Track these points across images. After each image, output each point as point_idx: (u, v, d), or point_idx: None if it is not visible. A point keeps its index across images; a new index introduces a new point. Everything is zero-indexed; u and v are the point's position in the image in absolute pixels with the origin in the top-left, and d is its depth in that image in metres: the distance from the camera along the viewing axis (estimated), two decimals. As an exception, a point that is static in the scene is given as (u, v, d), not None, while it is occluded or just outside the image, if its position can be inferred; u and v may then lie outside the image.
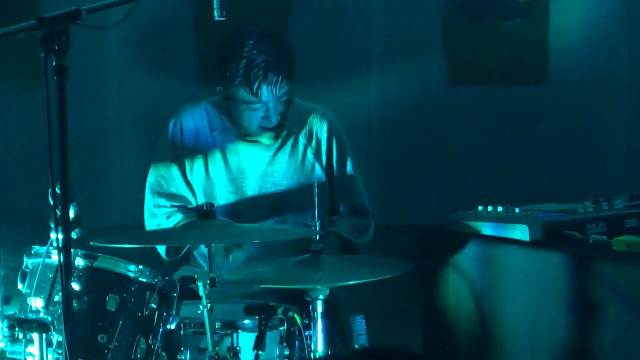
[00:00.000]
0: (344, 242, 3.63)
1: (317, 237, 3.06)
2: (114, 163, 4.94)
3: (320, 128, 3.71)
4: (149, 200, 3.70)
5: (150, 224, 3.69)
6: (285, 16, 4.90)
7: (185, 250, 3.67)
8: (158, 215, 3.67)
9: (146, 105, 4.89)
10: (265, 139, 3.58)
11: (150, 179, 3.70)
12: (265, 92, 3.47)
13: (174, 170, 3.65)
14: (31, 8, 4.87)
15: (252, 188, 3.62)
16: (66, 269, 2.31)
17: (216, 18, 2.80)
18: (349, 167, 3.75)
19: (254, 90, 3.46)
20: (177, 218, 3.62)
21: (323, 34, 4.93)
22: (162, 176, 3.67)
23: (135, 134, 4.92)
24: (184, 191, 3.66)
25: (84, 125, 4.72)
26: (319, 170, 3.68)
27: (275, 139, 3.59)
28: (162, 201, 3.66)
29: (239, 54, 3.47)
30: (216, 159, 3.64)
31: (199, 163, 3.64)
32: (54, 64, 2.30)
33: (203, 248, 3.62)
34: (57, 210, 2.45)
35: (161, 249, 3.64)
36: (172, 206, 3.66)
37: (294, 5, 4.92)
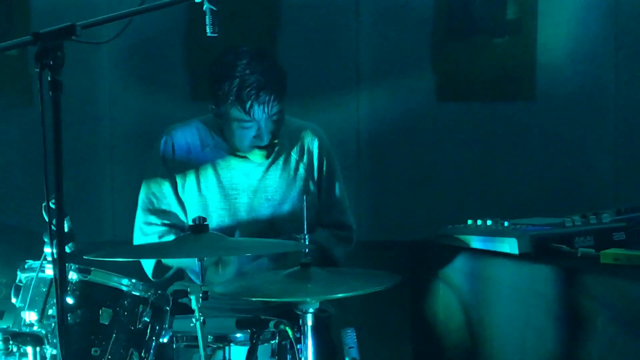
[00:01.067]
0: (323, 251, 3.66)
1: (307, 250, 3.09)
2: (105, 179, 4.94)
3: (311, 144, 3.75)
4: (140, 217, 3.72)
5: (140, 243, 3.71)
6: (274, 33, 4.92)
7: (171, 272, 3.68)
8: (149, 234, 3.68)
9: (137, 121, 4.90)
10: (257, 157, 3.62)
11: (142, 196, 3.72)
12: (257, 111, 3.50)
13: (166, 187, 3.67)
14: (22, 23, 4.89)
15: (244, 204, 3.65)
16: (61, 282, 2.33)
17: (208, 34, 2.82)
18: (337, 184, 3.79)
19: (247, 109, 3.49)
20: (170, 239, 3.64)
21: (312, 50, 4.95)
22: (153, 193, 3.69)
23: (126, 151, 4.93)
24: (175, 208, 3.68)
25: (75, 141, 4.73)
26: (310, 185, 3.72)
27: (267, 157, 3.63)
28: (153, 219, 3.68)
29: (232, 74, 3.50)
30: (208, 176, 3.66)
31: (191, 179, 3.67)
32: (48, 79, 2.32)
33: (194, 265, 3.65)
34: (51, 224, 2.47)
35: (148, 269, 3.65)
36: (164, 224, 3.68)
37: (282, 22, 4.94)
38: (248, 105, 3.49)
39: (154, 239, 3.65)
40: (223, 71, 3.53)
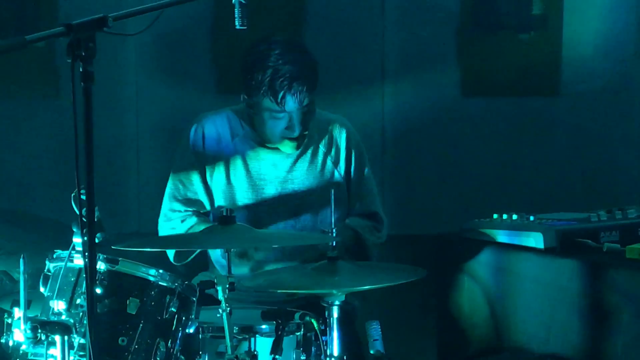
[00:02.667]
0: (357, 236, 3.67)
1: (334, 244, 3.10)
2: (131, 171, 4.97)
3: (339, 137, 3.76)
4: (166, 204, 3.75)
5: (164, 228, 3.73)
6: (300, 27, 4.94)
7: (193, 255, 3.70)
8: (172, 219, 3.71)
9: (163, 114, 4.93)
10: (287, 148, 3.63)
11: (169, 183, 3.75)
12: (289, 101, 3.51)
13: (194, 176, 3.69)
14: (50, 14, 4.92)
15: (272, 194, 3.66)
16: (92, 272, 2.35)
17: (237, 27, 2.83)
18: (366, 176, 3.80)
19: (279, 100, 3.50)
20: (192, 221, 3.66)
21: (338, 45, 4.96)
22: (180, 181, 3.71)
23: (152, 143, 4.96)
24: (202, 196, 3.70)
25: (102, 133, 4.73)
26: (337, 178, 3.73)
27: (297, 148, 3.64)
28: (177, 206, 3.71)
29: (265, 64, 3.51)
30: (237, 166, 3.68)
31: (219, 169, 3.68)
32: (80, 70, 2.34)
33: (220, 256, 3.67)
34: (82, 214, 2.50)
35: (170, 253, 3.67)
36: (186, 211, 3.70)
37: (309, 16, 4.95)
38: (280, 95, 3.50)
39: (177, 223, 3.67)
40: (256, 61, 3.54)
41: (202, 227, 3.58)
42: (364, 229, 3.72)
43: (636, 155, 4.98)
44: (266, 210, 3.65)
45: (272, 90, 3.50)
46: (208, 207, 3.70)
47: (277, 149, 3.65)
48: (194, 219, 3.67)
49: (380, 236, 3.80)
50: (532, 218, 3.67)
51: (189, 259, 3.69)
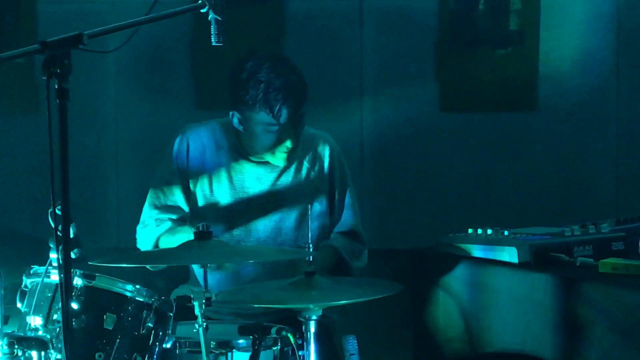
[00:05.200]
0: (339, 256, 3.68)
1: (311, 259, 3.11)
2: (110, 186, 4.98)
3: (323, 153, 3.77)
4: (145, 212, 3.75)
5: (140, 234, 3.74)
6: (279, 42, 4.96)
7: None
8: (148, 225, 3.72)
9: (142, 129, 4.94)
10: (279, 160, 3.63)
11: (150, 192, 3.75)
12: (284, 114, 3.53)
13: (175, 186, 3.70)
14: (30, 31, 4.93)
15: (255, 208, 3.67)
16: (67, 288, 2.36)
17: (213, 44, 2.86)
18: (348, 192, 3.81)
19: (275, 113, 3.51)
20: (166, 225, 3.67)
21: (317, 60, 4.98)
22: (161, 190, 3.72)
23: (131, 157, 4.97)
24: (182, 204, 3.71)
25: (81, 148, 4.76)
26: (320, 193, 3.74)
27: (288, 160, 3.66)
28: (155, 213, 3.71)
29: (257, 78, 3.52)
30: (221, 178, 3.69)
31: (203, 181, 3.69)
32: (55, 87, 2.35)
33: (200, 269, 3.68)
34: (57, 230, 2.50)
35: None
36: (164, 217, 3.71)
37: (288, 32, 4.98)
38: (276, 108, 3.51)
39: (152, 228, 3.69)
40: (248, 77, 3.54)
41: (177, 231, 3.60)
42: (347, 251, 3.73)
43: (611, 170, 5.02)
44: (247, 223, 3.66)
45: (268, 104, 3.50)
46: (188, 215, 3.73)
47: (261, 162, 3.66)
48: (168, 223, 3.68)
49: (362, 259, 3.82)
50: (506, 233, 3.69)
51: (163, 265, 3.69)
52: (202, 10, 2.83)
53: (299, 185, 3.71)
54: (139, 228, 3.77)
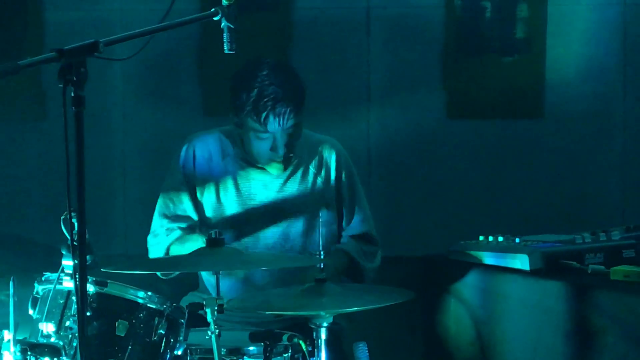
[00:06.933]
0: (351, 260, 3.68)
1: (322, 266, 3.11)
2: (117, 193, 4.97)
3: (329, 158, 3.78)
4: (156, 221, 3.77)
5: (151, 244, 3.75)
6: (287, 50, 4.96)
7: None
8: (159, 234, 3.73)
9: (150, 136, 4.94)
10: (274, 169, 3.65)
11: (159, 202, 3.76)
12: (272, 122, 3.53)
13: (184, 195, 3.71)
14: (36, 38, 4.93)
15: (262, 215, 3.68)
16: (82, 294, 2.36)
17: (226, 51, 2.86)
18: (358, 196, 3.81)
19: (262, 120, 3.52)
20: (176, 234, 3.68)
21: (324, 68, 4.98)
22: (170, 199, 3.73)
23: (138, 165, 4.96)
24: (191, 213, 3.71)
25: (88, 155, 4.74)
26: (328, 199, 3.74)
27: (284, 169, 3.66)
28: (166, 222, 3.72)
29: (251, 84, 3.53)
30: (227, 185, 3.70)
31: (210, 189, 3.70)
32: (71, 94, 2.36)
33: (209, 275, 3.69)
34: (72, 237, 2.50)
35: None
36: (174, 226, 3.72)
37: (295, 40, 4.98)
38: (263, 116, 3.51)
39: (162, 237, 3.69)
40: (243, 81, 3.56)
41: (187, 239, 3.61)
42: (359, 254, 3.73)
43: (619, 177, 5.02)
44: (255, 230, 3.67)
45: (255, 110, 3.52)
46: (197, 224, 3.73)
47: (265, 169, 3.68)
48: (178, 232, 3.69)
49: (376, 260, 3.82)
50: (517, 240, 3.70)
51: (175, 273, 3.70)
52: (214, 19, 2.83)
53: (306, 192, 3.71)
54: (149, 238, 3.77)
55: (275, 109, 3.51)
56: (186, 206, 3.71)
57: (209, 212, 3.70)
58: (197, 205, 3.71)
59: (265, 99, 3.50)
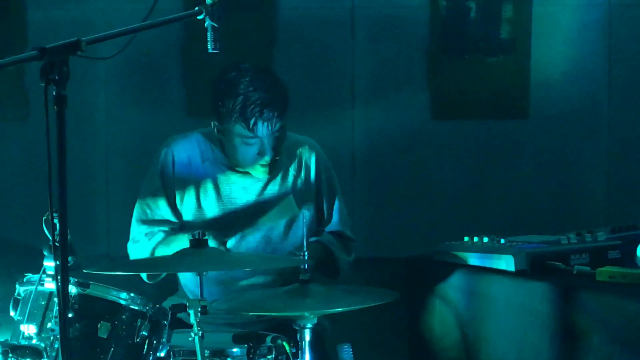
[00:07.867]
0: (325, 248, 3.69)
1: (305, 267, 3.10)
2: (100, 194, 4.95)
3: (309, 160, 3.78)
4: (134, 228, 3.75)
5: (133, 250, 3.73)
6: (271, 50, 4.95)
7: (165, 274, 3.70)
8: (139, 241, 3.71)
9: (133, 137, 4.91)
10: (259, 173, 3.64)
11: (137, 208, 3.75)
12: (261, 128, 3.53)
13: (161, 201, 3.69)
14: (19, 38, 4.90)
15: (242, 218, 3.66)
16: (64, 296, 2.34)
17: (210, 51, 2.85)
18: (337, 197, 3.81)
19: (250, 127, 3.52)
20: (159, 237, 3.67)
21: (308, 67, 4.97)
22: (147, 205, 3.71)
23: (121, 166, 4.94)
24: (170, 218, 3.70)
25: (71, 155, 4.72)
26: (307, 201, 3.74)
27: (270, 172, 3.65)
28: (145, 228, 3.71)
29: (235, 91, 3.53)
30: (208, 189, 3.68)
31: (190, 193, 3.68)
32: (53, 93, 2.34)
33: (187, 280, 3.68)
34: (54, 237, 2.48)
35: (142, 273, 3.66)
36: (153, 230, 3.70)
37: (279, 39, 4.97)
38: (252, 122, 3.51)
39: (144, 243, 3.67)
40: (226, 88, 3.55)
41: (172, 240, 3.59)
42: (334, 245, 3.74)
43: (603, 178, 5.02)
44: (237, 234, 3.65)
45: (244, 117, 3.51)
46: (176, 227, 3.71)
47: (247, 172, 3.66)
48: (161, 235, 3.67)
49: (351, 255, 3.83)
50: (502, 241, 3.69)
51: (161, 277, 3.69)
52: (198, 17, 2.81)
53: (287, 194, 3.70)
54: (129, 245, 3.75)
55: (263, 115, 3.51)
56: (163, 212, 3.69)
57: (189, 217, 3.68)
58: (176, 210, 3.70)
59: (252, 106, 3.50)
